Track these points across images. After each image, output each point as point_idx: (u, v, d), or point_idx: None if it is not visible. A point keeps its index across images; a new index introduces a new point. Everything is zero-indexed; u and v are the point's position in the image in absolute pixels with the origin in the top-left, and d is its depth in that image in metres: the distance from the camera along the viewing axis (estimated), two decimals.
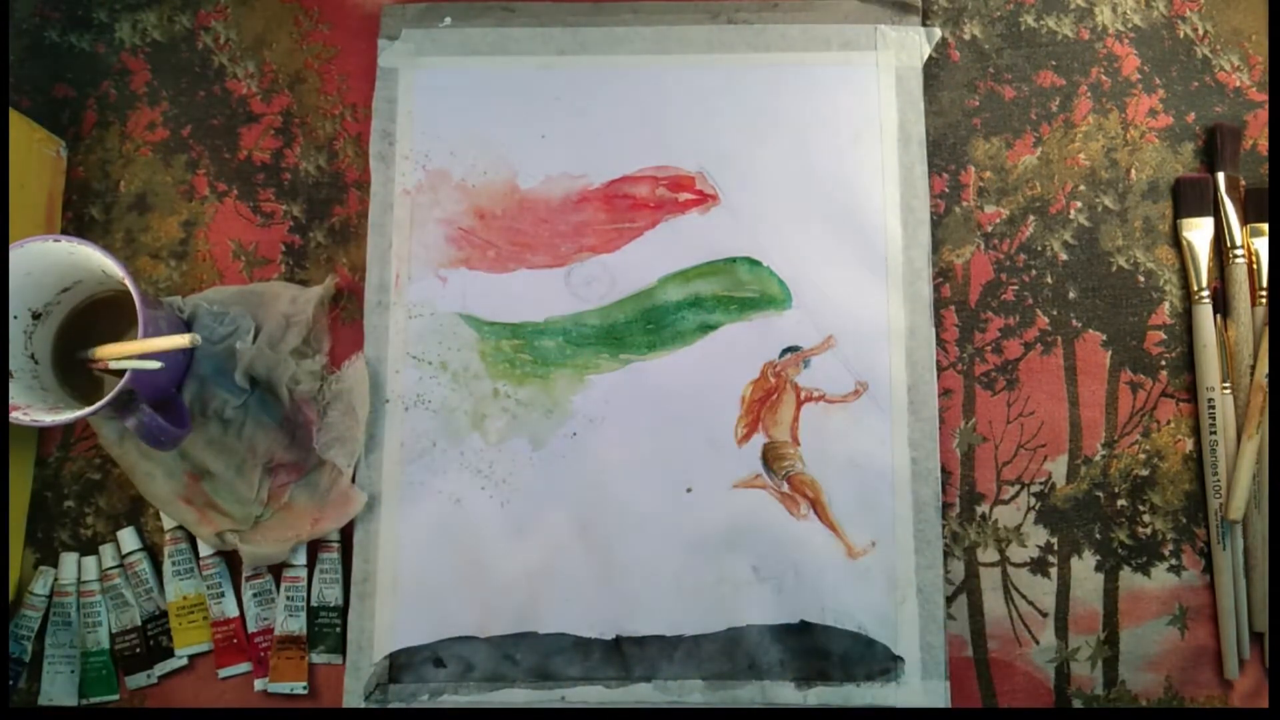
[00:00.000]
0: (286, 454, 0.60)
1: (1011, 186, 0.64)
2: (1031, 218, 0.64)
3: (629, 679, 0.59)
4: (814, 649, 0.59)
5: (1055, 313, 0.63)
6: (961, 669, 0.59)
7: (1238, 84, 0.65)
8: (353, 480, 0.60)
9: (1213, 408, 0.61)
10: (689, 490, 0.60)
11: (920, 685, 0.58)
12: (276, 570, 0.60)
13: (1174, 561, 0.61)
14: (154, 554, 0.61)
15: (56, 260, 0.55)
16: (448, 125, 0.64)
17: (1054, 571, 0.60)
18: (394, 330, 0.62)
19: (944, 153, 0.64)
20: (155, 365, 0.53)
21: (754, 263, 0.62)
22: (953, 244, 0.63)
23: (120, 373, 0.53)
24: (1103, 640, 0.60)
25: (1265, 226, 0.62)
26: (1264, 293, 0.62)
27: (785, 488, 0.60)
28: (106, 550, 0.61)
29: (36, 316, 0.57)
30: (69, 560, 0.60)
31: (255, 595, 0.60)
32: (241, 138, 0.65)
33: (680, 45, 0.65)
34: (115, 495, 0.61)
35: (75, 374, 0.58)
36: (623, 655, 0.59)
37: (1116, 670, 0.59)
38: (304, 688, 0.59)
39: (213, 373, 0.59)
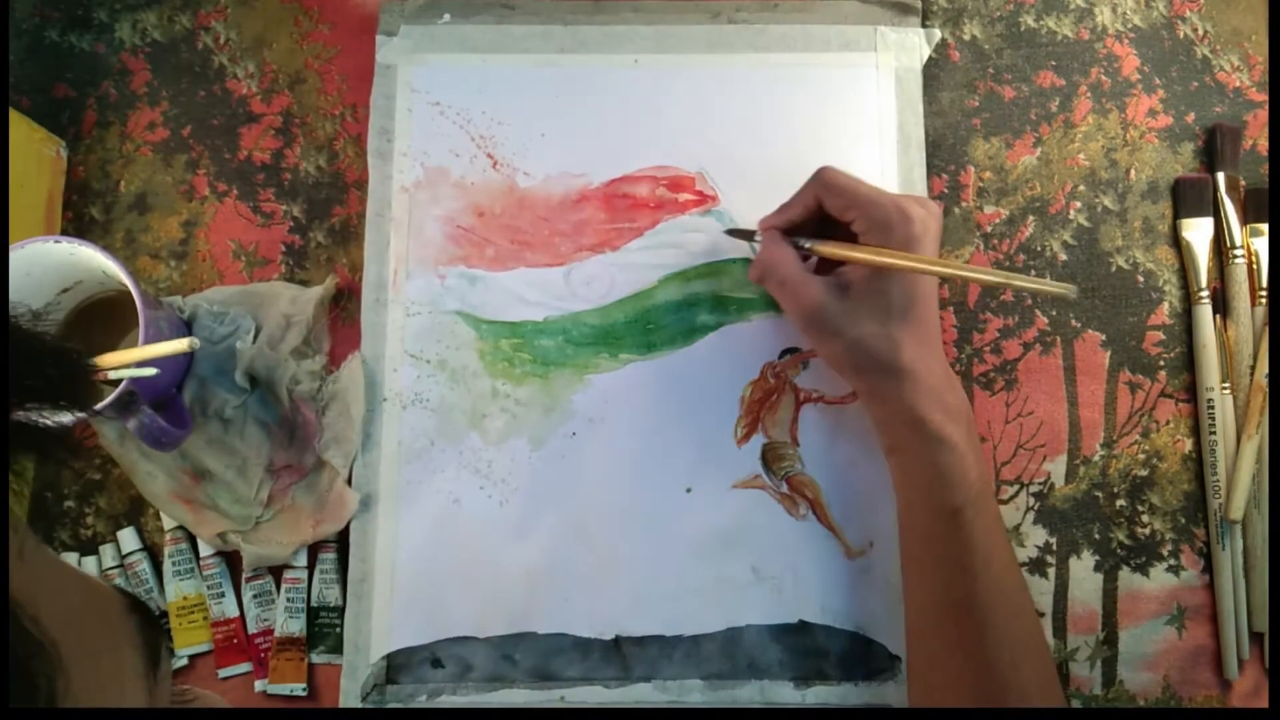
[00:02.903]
0: (286, 454, 0.60)
1: (1011, 187, 0.64)
2: (1031, 218, 0.64)
3: (628, 679, 0.59)
4: (813, 649, 0.59)
5: (1054, 313, 0.63)
6: None
7: (1238, 84, 0.65)
8: (348, 481, 0.60)
9: (1212, 408, 0.61)
10: (688, 490, 0.60)
11: None
12: (276, 571, 0.60)
13: (1173, 561, 0.61)
14: (154, 554, 0.61)
15: (57, 261, 0.55)
16: (446, 122, 0.64)
17: (1052, 572, 0.60)
18: (392, 328, 0.62)
19: (944, 153, 0.64)
20: (152, 372, 0.53)
21: None
22: (952, 244, 0.63)
23: (118, 381, 0.53)
24: (1101, 640, 0.60)
25: (1265, 226, 0.62)
26: (1264, 293, 0.62)
27: (784, 488, 0.60)
28: (106, 550, 0.61)
29: (37, 317, 0.57)
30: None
31: (255, 596, 0.60)
32: (241, 138, 0.65)
33: (680, 45, 0.65)
34: (115, 495, 0.61)
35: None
36: (622, 655, 0.59)
37: (1115, 670, 0.59)
38: (303, 689, 0.59)
39: (213, 373, 0.59)
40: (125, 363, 0.53)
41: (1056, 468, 0.61)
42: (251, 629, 0.60)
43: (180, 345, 0.53)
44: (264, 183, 0.65)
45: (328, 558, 0.60)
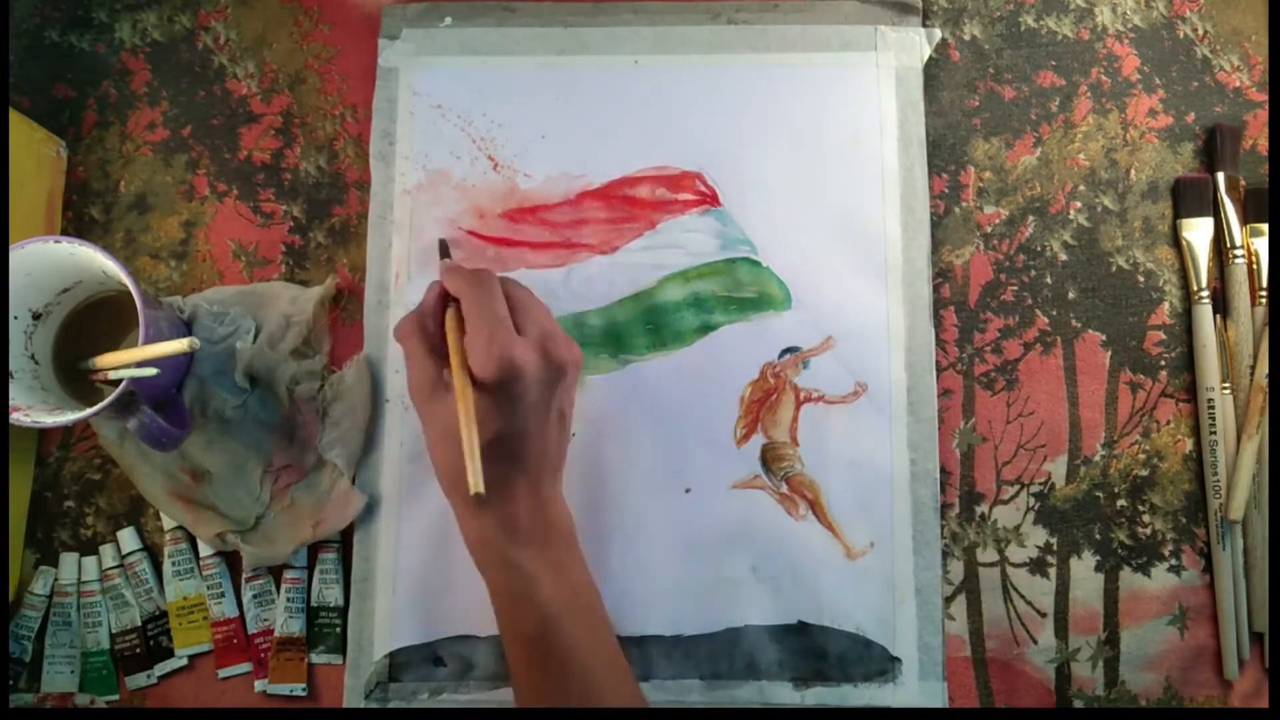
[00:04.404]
0: (286, 454, 0.60)
1: (1011, 187, 0.64)
2: (1031, 218, 0.64)
3: None
4: (812, 649, 0.59)
5: (1055, 313, 0.63)
6: (960, 669, 0.59)
7: (1238, 84, 0.65)
8: (352, 481, 0.60)
9: (1212, 408, 0.61)
10: (688, 491, 0.60)
11: (918, 686, 0.58)
12: (276, 571, 0.60)
13: (1174, 561, 0.61)
14: (154, 554, 0.61)
15: (57, 261, 0.55)
16: (448, 125, 0.64)
17: (1053, 572, 0.60)
18: (394, 330, 0.62)
19: (944, 153, 0.64)
20: (152, 372, 0.53)
21: (754, 263, 0.62)
22: (952, 244, 0.63)
23: (119, 381, 0.53)
24: (1104, 640, 0.60)
25: (1265, 226, 0.62)
26: (1264, 293, 0.62)
27: (784, 488, 0.60)
28: (106, 550, 0.61)
29: (37, 317, 0.57)
30: (69, 560, 0.60)
31: (255, 596, 0.60)
32: (241, 138, 0.65)
33: (680, 45, 0.65)
34: (115, 495, 0.61)
35: (75, 375, 0.58)
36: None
37: (1117, 670, 0.59)
38: (303, 689, 0.59)
39: (213, 373, 0.59)
40: (125, 363, 0.53)
41: (1057, 468, 0.61)
42: (251, 629, 0.60)
43: (180, 345, 0.53)
44: (264, 183, 0.65)
45: (328, 558, 0.60)
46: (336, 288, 0.63)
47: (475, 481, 0.45)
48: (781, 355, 0.61)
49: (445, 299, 0.53)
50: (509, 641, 0.52)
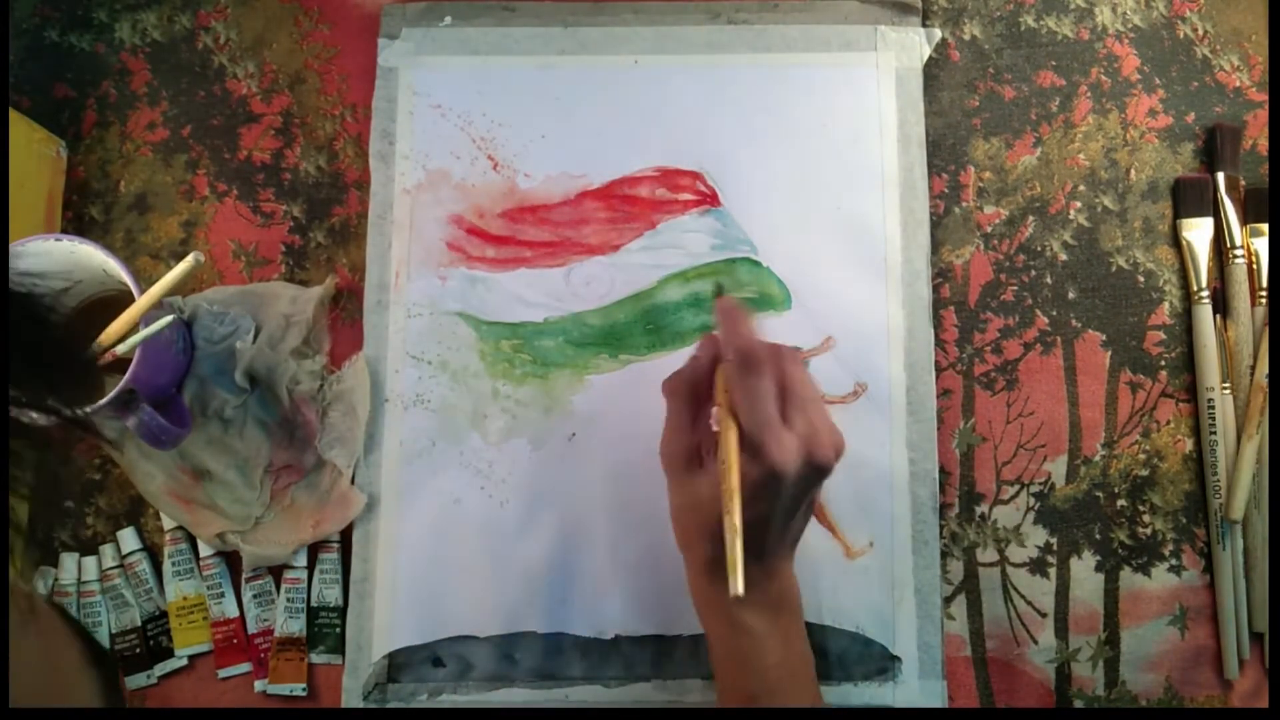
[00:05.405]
0: (286, 454, 0.60)
1: (1011, 187, 0.64)
2: (1031, 218, 0.64)
3: (628, 679, 0.59)
4: (812, 648, 0.58)
5: (1055, 313, 0.63)
6: (960, 669, 0.59)
7: (1238, 84, 0.65)
8: (352, 481, 0.60)
9: (1213, 408, 0.61)
10: None
11: (918, 685, 0.58)
12: (276, 571, 0.60)
13: (1174, 561, 0.61)
14: (154, 554, 0.61)
15: (58, 259, 0.55)
16: (448, 125, 0.64)
17: (1053, 572, 0.60)
18: (393, 330, 0.62)
19: (944, 153, 0.64)
20: (169, 319, 0.53)
21: (754, 263, 0.62)
22: (952, 244, 0.63)
23: (123, 370, 0.53)
24: (1104, 640, 0.60)
25: (1265, 226, 0.62)
26: (1264, 293, 0.62)
27: None
28: (106, 550, 0.61)
29: (50, 310, 0.57)
30: (69, 560, 0.60)
31: (255, 596, 0.60)
32: (241, 138, 0.65)
33: (680, 45, 0.65)
34: (115, 495, 0.61)
35: (75, 373, 0.58)
36: (622, 655, 0.59)
37: (1118, 670, 0.59)
38: (303, 689, 0.59)
39: (213, 373, 0.59)
40: (129, 323, 0.53)
41: (1057, 468, 0.61)
42: (251, 629, 0.60)
43: (185, 264, 0.52)
44: (264, 183, 0.65)
45: (328, 558, 0.60)
46: (336, 288, 0.63)
47: (736, 585, 0.44)
48: None
49: (716, 360, 0.50)
50: (724, 694, 0.51)
